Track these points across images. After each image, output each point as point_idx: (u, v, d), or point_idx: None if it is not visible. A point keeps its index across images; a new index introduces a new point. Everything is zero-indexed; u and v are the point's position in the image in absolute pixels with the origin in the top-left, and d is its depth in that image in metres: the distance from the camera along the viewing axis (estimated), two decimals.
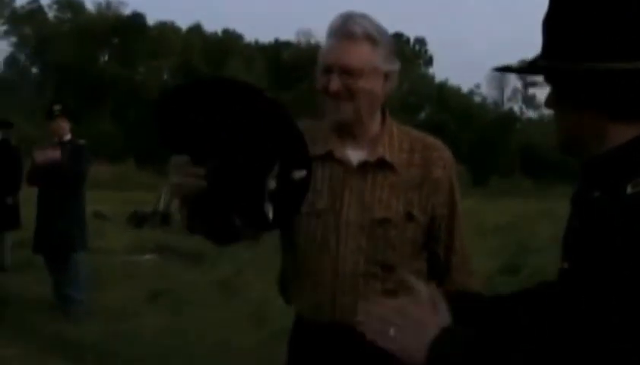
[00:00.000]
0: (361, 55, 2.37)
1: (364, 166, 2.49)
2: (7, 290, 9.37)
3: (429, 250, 2.57)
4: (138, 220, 19.01)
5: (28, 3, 70.65)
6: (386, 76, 2.48)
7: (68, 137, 8.56)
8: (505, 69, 1.66)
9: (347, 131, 2.51)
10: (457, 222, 2.56)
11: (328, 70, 2.42)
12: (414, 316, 1.57)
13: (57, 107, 8.63)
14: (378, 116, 2.55)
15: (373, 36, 2.44)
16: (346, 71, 2.39)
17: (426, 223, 2.51)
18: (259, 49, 72.94)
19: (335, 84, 2.39)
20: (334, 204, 2.48)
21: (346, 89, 2.40)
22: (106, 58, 69.79)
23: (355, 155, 2.51)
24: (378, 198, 2.47)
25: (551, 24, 1.57)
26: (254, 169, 2.26)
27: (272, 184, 2.25)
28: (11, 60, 70.33)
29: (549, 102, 1.61)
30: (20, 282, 9.93)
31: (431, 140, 2.59)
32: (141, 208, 20.04)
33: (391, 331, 1.52)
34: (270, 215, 2.28)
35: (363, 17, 2.45)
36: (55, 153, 8.26)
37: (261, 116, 2.24)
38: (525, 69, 1.62)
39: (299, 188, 2.31)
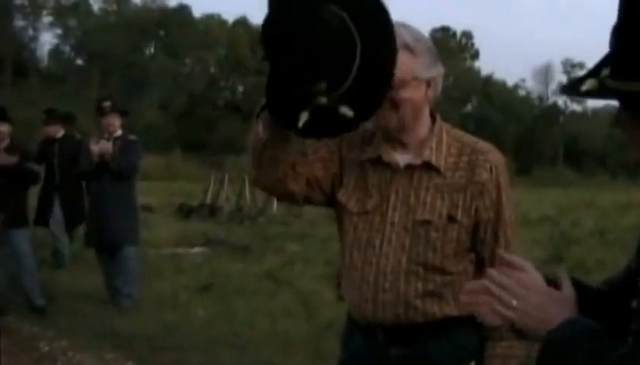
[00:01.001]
0: (401, 66, 2.36)
1: (410, 168, 2.54)
2: (59, 283, 9.52)
3: (475, 253, 2.59)
4: (186, 212, 19.20)
5: None
6: (428, 83, 2.52)
7: (119, 133, 8.68)
8: (572, 91, 1.56)
9: (395, 137, 2.56)
10: (502, 225, 2.56)
11: None
12: (536, 288, 1.57)
13: (106, 104, 8.72)
14: (426, 121, 2.59)
15: (411, 46, 2.47)
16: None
17: (470, 225, 2.53)
18: None
19: None
20: (381, 204, 2.55)
21: (389, 100, 2.42)
22: (152, 50, 70.29)
23: (402, 158, 2.56)
24: (423, 200, 2.51)
25: (624, 37, 1.38)
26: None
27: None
28: (55, 52, 71.04)
29: (621, 123, 1.49)
30: (72, 275, 10.10)
31: (481, 144, 2.60)
32: (188, 200, 20.22)
33: (514, 302, 1.54)
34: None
35: (401, 26, 2.45)
36: (107, 146, 8.39)
37: None
38: (596, 93, 1.45)
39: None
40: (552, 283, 1.61)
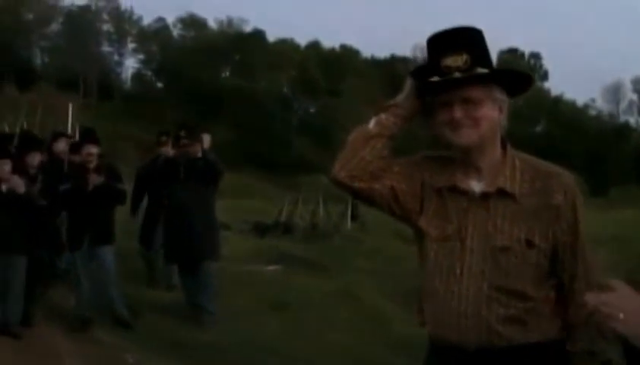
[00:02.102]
0: (479, 85, 2.44)
1: (486, 196, 2.54)
2: (142, 297, 9.70)
3: (556, 277, 2.55)
4: (261, 230, 19.34)
5: (155, 22, 73.05)
6: (500, 108, 2.53)
7: (199, 154, 8.92)
8: None
9: (471, 163, 2.56)
10: (580, 248, 2.53)
11: (448, 103, 2.48)
12: (635, 304, 1.68)
13: (182, 134, 9.01)
14: (498, 147, 2.59)
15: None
16: (468, 101, 2.46)
17: (549, 250, 2.50)
18: (375, 63, 73.11)
19: (459, 112, 2.46)
20: (460, 232, 2.54)
21: (469, 117, 2.46)
22: (227, 73, 71.23)
23: (478, 186, 2.55)
24: (500, 226, 2.50)
25: None
26: None
27: None
28: (137, 75, 72.65)
29: None
30: (153, 290, 10.29)
31: (553, 168, 2.59)
32: (263, 218, 20.37)
33: (621, 315, 1.64)
34: None
35: None
36: None
37: None
38: None
39: None
40: None
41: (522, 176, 2.54)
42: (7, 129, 13.64)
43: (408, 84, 2.62)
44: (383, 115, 2.60)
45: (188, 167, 8.89)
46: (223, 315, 8.93)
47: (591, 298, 1.70)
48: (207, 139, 9.07)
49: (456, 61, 2.42)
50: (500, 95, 2.51)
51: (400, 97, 2.62)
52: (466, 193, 2.55)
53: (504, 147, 2.60)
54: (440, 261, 2.56)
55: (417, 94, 2.57)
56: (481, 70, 2.42)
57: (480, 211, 2.52)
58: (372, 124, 2.60)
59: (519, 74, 2.62)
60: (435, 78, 2.46)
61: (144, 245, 10.40)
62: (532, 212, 2.49)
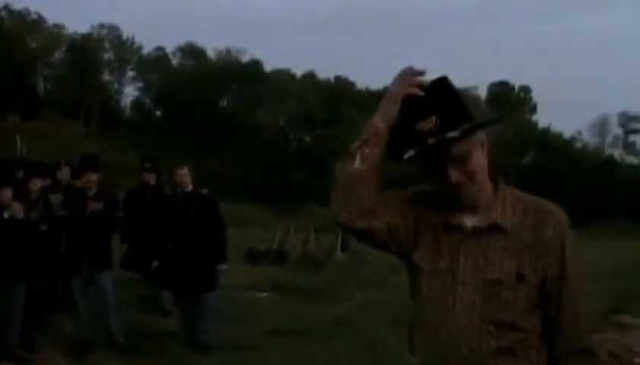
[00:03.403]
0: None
1: (478, 230, 2.54)
2: (139, 322, 9.63)
3: (543, 309, 2.56)
4: (254, 257, 19.27)
5: (154, 50, 73.30)
6: (482, 144, 2.53)
7: (190, 187, 8.91)
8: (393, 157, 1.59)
9: (463, 200, 2.55)
10: (567, 281, 2.53)
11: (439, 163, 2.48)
12: None
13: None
14: (488, 183, 2.58)
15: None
16: (457, 159, 2.45)
17: (538, 283, 2.51)
18: (370, 95, 73.51)
19: (455, 175, 2.45)
20: (452, 265, 2.54)
21: (465, 174, 2.46)
22: (225, 102, 71.49)
23: (470, 221, 2.56)
24: (492, 260, 2.51)
25: None
26: None
27: None
28: (136, 103, 72.81)
29: None
30: (149, 315, 10.20)
31: (544, 203, 2.60)
32: (256, 246, 20.33)
33: (637, 359, 1.61)
34: None
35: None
36: None
37: None
38: None
39: None
40: None
41: (513, 211, 2.55)
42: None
43: (384, 106, 2.57)
44: (367, 149, 2.53)
45: (186, 200, 8.87)
46: (221, 342, 8.86)
47: (607, 339, 1.67)
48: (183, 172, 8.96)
49: (426, 125, 2.41)
50: (480, 134, 2.51)
51: (378, 124, 2.55)
52: (458, 228, 2.56)
53: (495, 181, 2.61)
54: (432, 293, 2.56)
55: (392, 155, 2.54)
56: (451, 134, 2.37)
57: (472, 244, 2.53)
58: (357, 161, 2.53)
59: (490, 121, 2.61)
60: (411, 152, 2.42)
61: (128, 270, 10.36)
62: (523, 246, 2.50)
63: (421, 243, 2.62)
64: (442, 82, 2.48)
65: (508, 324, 2.47)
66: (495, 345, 2.47)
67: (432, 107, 2.41)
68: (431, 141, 2.37)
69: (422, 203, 2.64)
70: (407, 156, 2.42)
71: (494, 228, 2.52)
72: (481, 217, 2.54)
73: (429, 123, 2.39)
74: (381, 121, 2.54)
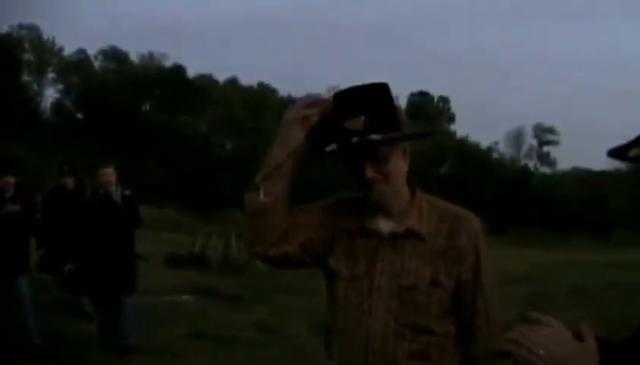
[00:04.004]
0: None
1: (395, 236, 2.57)
2: (57, 328, 9.44)
3: (457, 314, 2.60)
4: (175, 261, 19.10)
5: (76, 53, 72.00)
6: (404, 150, 2.56)
7: (113, 188, 8.75)
8: (619, 156, 1.66)
9: (380, 206, 2.58)
10: (481, 286, 2.58)
11: (356, 161, 2.50)
12: (562, 340, 1.67)
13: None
14: (406, 189, 2.62)
15: None
16: (376, 159, 2.48)
17: (452, 288, 2.55)
18: (292, 102, 73.57)
19: (370, 173, 2.47)
20: (369, 270, 2.56)
21: (380, 173, 2.48)
22: (148, 107, 70.69)
23: (386, 226, 2.58)
24: (407, 266, 2.54)
25: None
26: None
27: None
28: (57, 106, 71.32)
29: None
30: (69, 321, 9.98)
31: (459, 211, 2.64)
32: (178, 250, 20.16)
33: (541, 352, 1.64)
34: None
35: None
36: None
37: None
38: None
39: None
40: (577, 336, 1.71)
41: (429, 218, 2.58)
42: None
43: (282, 134, 2.57)
44: (269, 183, 2.54)
45: (106, 202, 8.73)
46: (141, 347, 8.71)
47: (514, 330, 1.70)
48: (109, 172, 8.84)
49: (354, 124, 2.42)
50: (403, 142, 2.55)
51: (277, 155, 2.55)
52: (375, 233, 2.58)
53: (412, 188, 2.64)
54: (349, 299, 2.58)
55: (313, 148, 2.54)
56: (375, 137, 2.40)
57: (389, 250, 2.56)
58: (262, 195, 2.54)
59: (415, 135, 2.65)
60: (333, 146, 2.45)
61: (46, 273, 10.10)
62: (438, 252, 2.54)
63: (337, 249, 2.64)
64: (381, 87, 2.50)
65: (423, 328, 2.50)
66: (409, 349, 2.50)
67: (364, 108, 2.43)
68: (355, 139, 2.40)
69: (338, 210, 2.67)
70: (328, 148, 2.45)
71: (410, 234, 2.55)
72: (397, 223, 2.57)
73: (358, 123, 2.41)
74: (280, 151, 2.54)
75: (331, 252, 2.64)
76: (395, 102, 2.56)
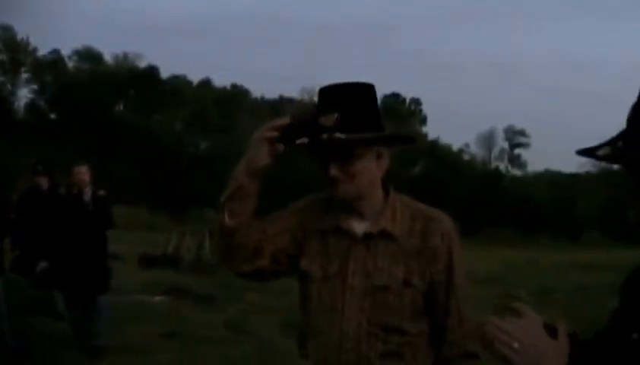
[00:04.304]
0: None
1: (368, 237, 2.58)
2: (31, 328, 9.38)
3: (430, 314, 2.61)
4: (148, 261, 18.99)
5: (49, 53, 71.38)
6: (379, 154, 2.57)
7: (87, 188, 8.67)
8: (589, 154, 1.68)
9: (353, 207, 2.60)
10: (453, 287, 2.59)
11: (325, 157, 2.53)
12: (536, 334, 1.69)
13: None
14: (379, 191, 2.63)
15: None
16: (341, 158, 2.49)
17: (424, 288, 2.56)
18: (265, 103, 73.48)
19: (334, 171, 2.49)
20: (342, 270, 2.58)
21: (345, 172, 2.50)
22: (121, 107, 70.28)
23: (360, 227, 2.60)
24: (380, 266, 2.55)
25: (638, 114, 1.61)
26: None
27: None
28: (31, 106, 70.65)
29: (631, 189, 1.65)
30: (44, 320, 9.92)
31: (432, 212, 2.65)
32: (152, 250, 20.05)
33: (515, 344, 1.65)
34: None
35: None
36: None
37: None
38: (610, 158, 1.66)
39: None
40: (551, 332, 1.72)
41: (402, 218, 2.59)
42: None
43: (247, 154, 2.57)
44: (233, 204, 2.56)
45: (77, 202, 8.67)
46: (113, 347, 8.67)
47: (491, 322, 1.72)
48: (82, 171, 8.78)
49: (327, 120, 2.44)
50: (377, 145, 2.56)
51: (239, 177, 2.56)
52: (349, 233, 2.59)
53: (386, 189, 2.65)
54: (323, 299, 2.60)
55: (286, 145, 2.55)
56: (339, 135, 2.42)
57: (361, 250, 2.57)
58: (226, 218, 2.57)
59: (389, 138, 2.66)
60: (303, 139, 2.47)
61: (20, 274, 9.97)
62: (411, 253, 2.55)
63: (309, 249, 2.65)
64: (365, 87, 2.52)
65: (395, 328, 2.51)
66: (382, 348, 2.51)
67: (340, 105, 2.44)
68: (325, 136, 2.41)
69: (312, 211, 2.69)
70: (298, 141, 2.47)
71: (383, 235, 2.56)
72: (371, 224, 2.58)
73: (330, 119, 2.42)
74: (242, 172, 2.55)
75: (303, 254, 2.65)
76: (378, 104, 2.58)
